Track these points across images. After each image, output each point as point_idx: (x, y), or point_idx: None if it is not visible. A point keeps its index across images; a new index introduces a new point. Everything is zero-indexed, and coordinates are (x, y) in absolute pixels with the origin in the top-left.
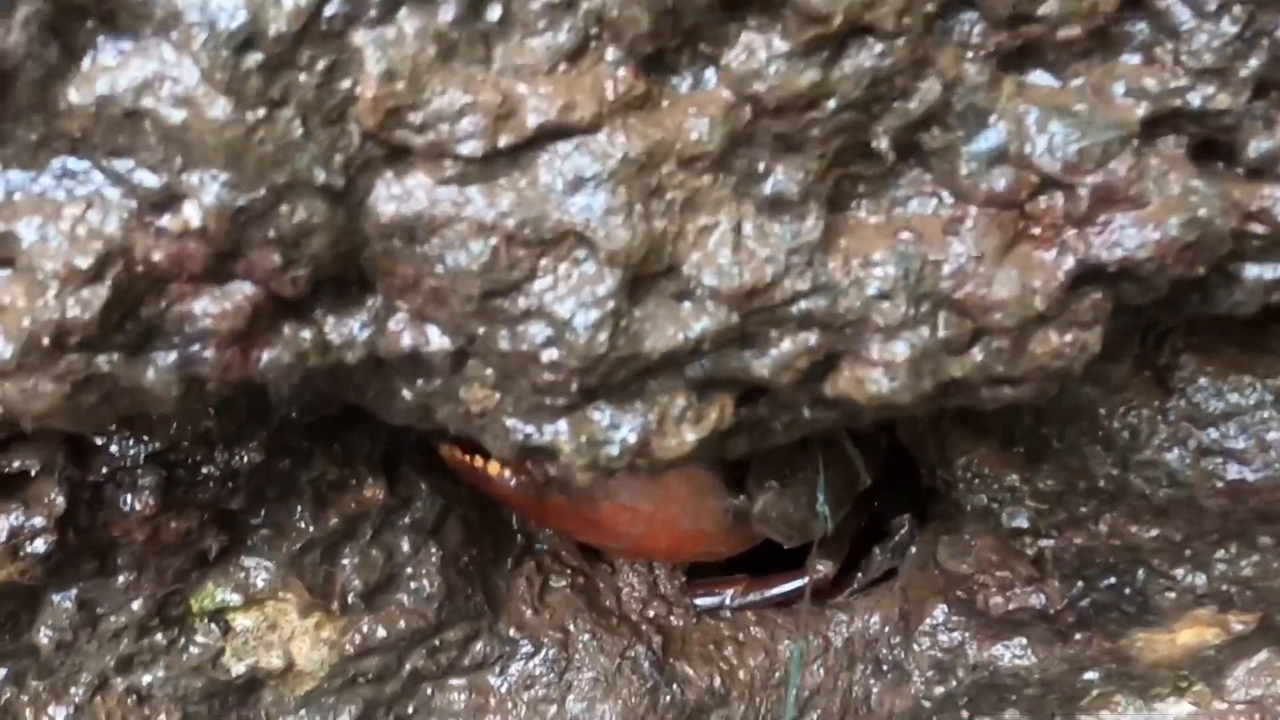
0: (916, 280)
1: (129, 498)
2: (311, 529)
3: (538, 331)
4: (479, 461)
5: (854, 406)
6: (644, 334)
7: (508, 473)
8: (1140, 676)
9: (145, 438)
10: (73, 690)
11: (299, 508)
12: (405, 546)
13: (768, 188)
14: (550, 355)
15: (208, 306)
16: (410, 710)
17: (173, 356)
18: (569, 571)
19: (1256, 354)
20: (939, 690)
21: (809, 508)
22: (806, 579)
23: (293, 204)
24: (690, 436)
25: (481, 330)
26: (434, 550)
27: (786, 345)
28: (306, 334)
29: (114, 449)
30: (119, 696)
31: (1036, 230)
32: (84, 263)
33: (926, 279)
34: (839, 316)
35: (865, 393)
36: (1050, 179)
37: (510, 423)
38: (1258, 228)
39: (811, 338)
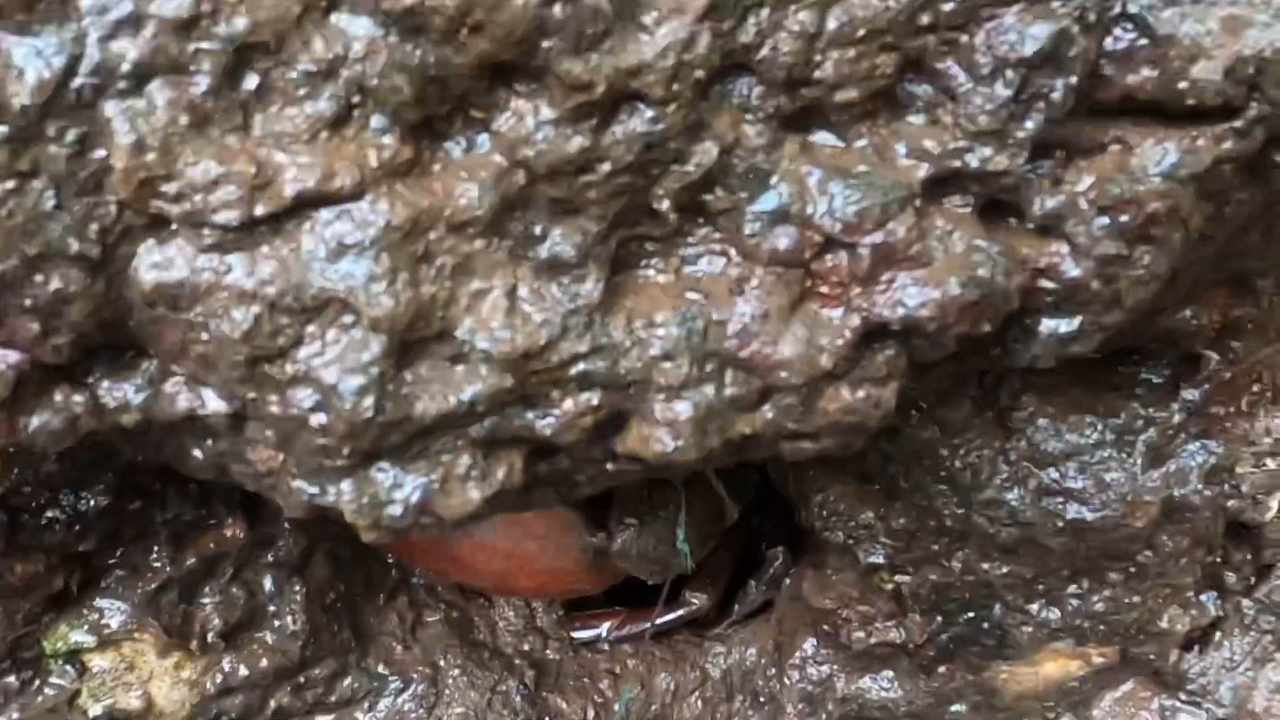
0: (700, 340)
1: None
2: (169, 569)
3: (305, 397)
4: None
5: (650, 463)
6: (414, 397)
7: None
8: (1007, 709)
9: None
10: None
11: (155, 548)
12: (268, 584)
13: (544, 251)
14: (319, 420)
15: None
16: None
17: None
18: (443, 606)
19: (1099, 392)
20: None
21: (670, 544)
22: (681, 611)
23: (47, 273)
24: (475, 494)
25: (252, 395)
26: (298, 587)
27: (569, 405)
28: (79, 398)
29: None
30: None
31: (824, 289)
32: None
33: (711, 338)
34: (620, 377)
35: (651, 451)
36: (832, 239)
37: (296, 484)
38: (1047, 283)
39: (594, 397)
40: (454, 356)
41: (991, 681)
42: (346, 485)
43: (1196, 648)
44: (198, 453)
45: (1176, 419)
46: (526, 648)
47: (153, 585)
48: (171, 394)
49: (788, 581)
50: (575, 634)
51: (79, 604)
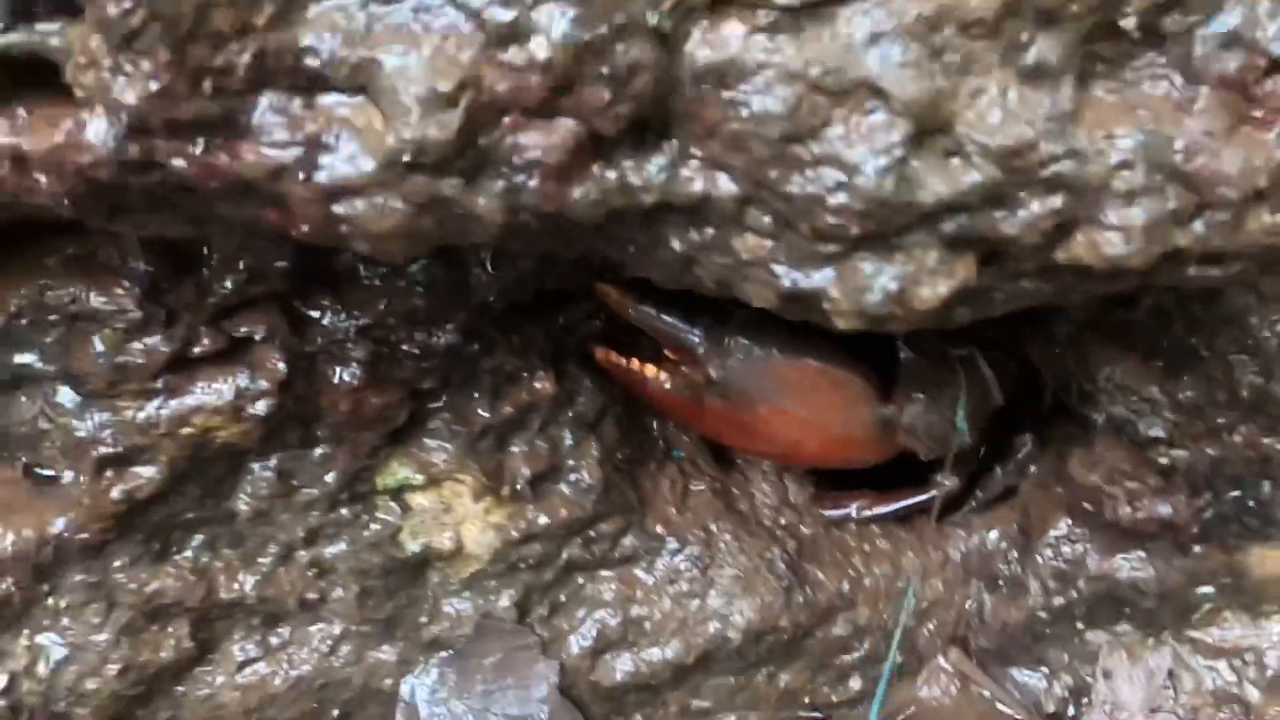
0: (1155, 152)
1: (339, 369)
2: (488, 415)
3: (829, 176)
4: (635, 364)
5: (1075, 277)
6: (920, 184)
7: (663, 375)
8: (1250, 592)
9: (356, 313)
10: (260, 560)
11: (476, 394)
12: (568, 439)
13: (1030, 57)
14: (838, 199)
15: (537, 139)
16: (563, 599)
17: (501, 184)
18: (707, 478)
19: None
20: (1057, 601)
21: (950, 421)
22: (931, 494)
23: (627, 43)
24: (943, 289)
25: (774, 175)
26: (594, 445)
27: (1035, 206)
28: (611, 174)
29: (326, 322)
30: (301, 568)
31: (1259, 113)
32: (444, 86)
33: (1162, 152)
34: (1085, 182)
35: (1100, 255)
36: (1277, 62)
37: (778, 269)
38: None
39: (1058, 200)
40: (951, 150)
41: (1243, 563)
42: (830, 272)
43: None
44: (676, 244)
45: None
46: (784, 521)
47: (474, 430)
48: (689, 177)
49: (1033, 469)
50: (826, 512)
51: (409, 442)
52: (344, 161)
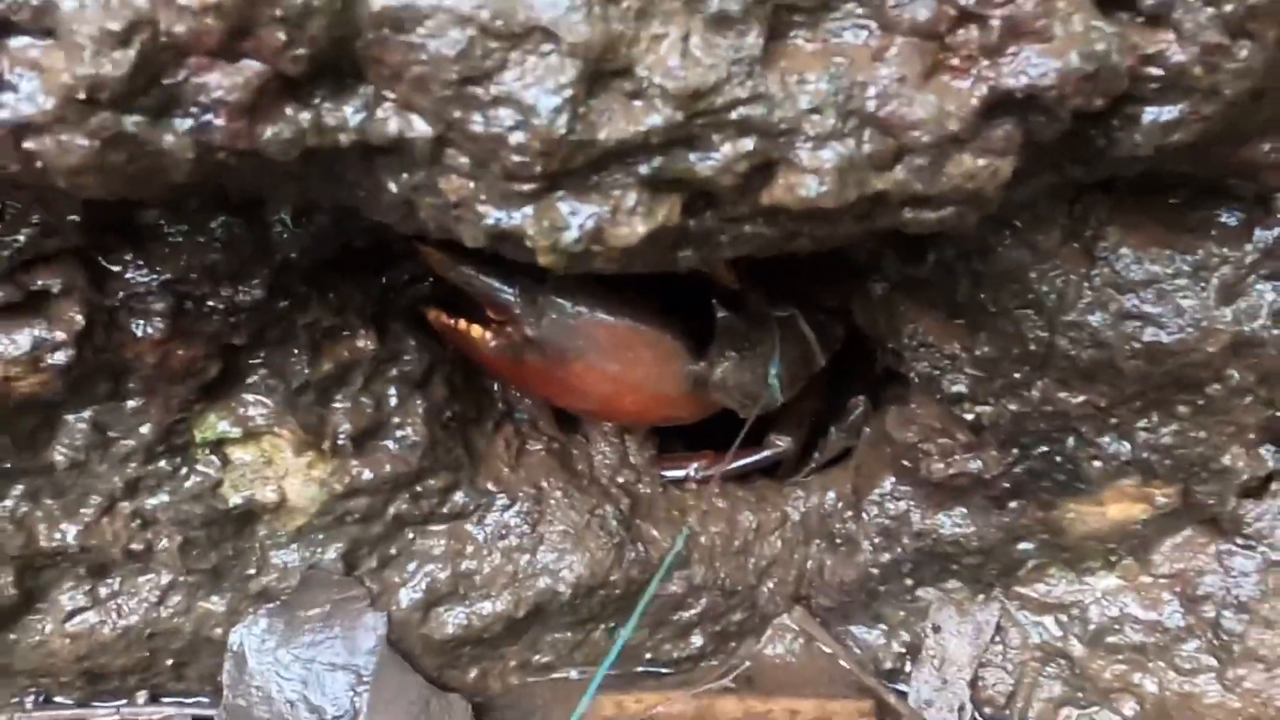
0: (845, 98)
1: (141, 323)
2: (307, 371)
3: (506, 115)
4: (463, 325)
5: (789, 220)
6: (600, 124)
7: (489, 334)
8: (1072, 549)
9: (158, 267)
10: (82, 510)
11: (295, 351)
12: (393, 396)
13: (714, 5)
14: (517, 138)
15: (220, 80)
16: (393, 552)
17: (189, 123)
18: (545, 438)
19: (1178, 231)
20: (885, 558)
21: (764, 380)
22: (767, 453)
23: None
24: (640, 228)
25: (458, 115)
26: (419, 402)
27: (727, 149)
28: (306, 115)
29: (129, 275)
30: (125, 519)
31: (955, 61)
32: (115, 26)
33: (854, 98)
34: (774, 125)
35: (796, 198)
36: (966, 12)
37: (483, 209)
38: (1154, 70)
39: (750, 143)
40: (633, 92)
41: (1059, 520)
42: (529, 210)
43: (1253, 498)
44: (392, 186)
45: (1249, 259)
46: (621, 480)
47: (293, 385)
48: (383, 118)
49: (868, 430)
50: (666, 472)
51: (226, 397)
52: (25, 100)
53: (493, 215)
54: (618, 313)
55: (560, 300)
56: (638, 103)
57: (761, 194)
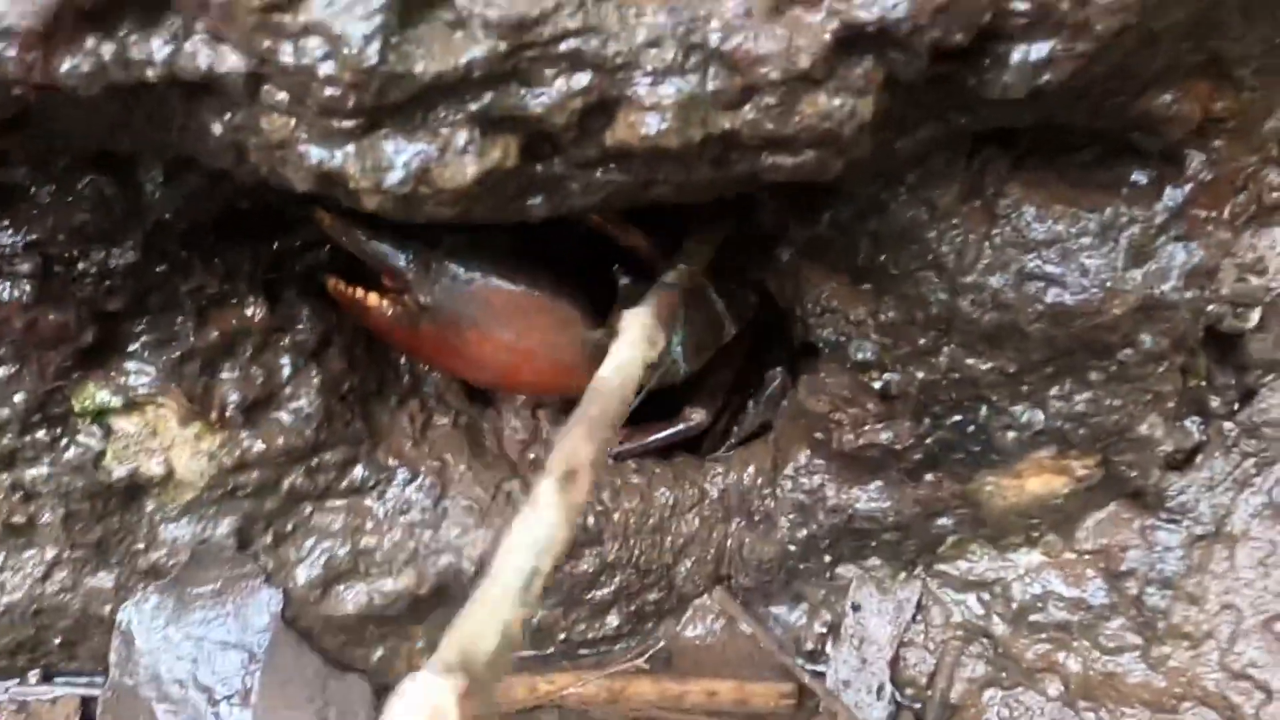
0: (686, 30)
1: (7, 285)
2: (192, 339)
3: (315, 45)
4: (359, 293)
5: (639, 164)
6: (416, 57)
7: (385, 303)
8: (993, 525)
9: (25, 228)
10: None
11: (180, 319)
12: (285, 367)
13: None
14: (327, 69)
15: (10, 5)
16: (289, 527)
17: None
18: (452, 412)
19: (1085, 188)
20: (802, 534)
21: (667, 349)
22: (681, 426)
23: None
24: (472, 169)
25: (267, 45)
26: (314, 373)
27: (560, 84)
28: (109, 47)
29: None
30: (4, 491)
31: None
32: None
33: (696, 30)
34: (609, 59)
35: (637, 135)
36: None
37: (305, 149)
38: (1019, 4)
39: (584, 78)
40: (454, 23)
41: (977, 494)
42: (352, 149)
43: (1177, 471)
44: (217, 128)
45: (1159, 219)
46: (532, 455)
47: (176, 354)
48: (193, 51)
49: (785, 404)
50: None
51: (106, 365)
52: None
53: (315, 155)
54: (512, 278)
55: (453, 265)
56: (458, 33)
57: (604, 135)
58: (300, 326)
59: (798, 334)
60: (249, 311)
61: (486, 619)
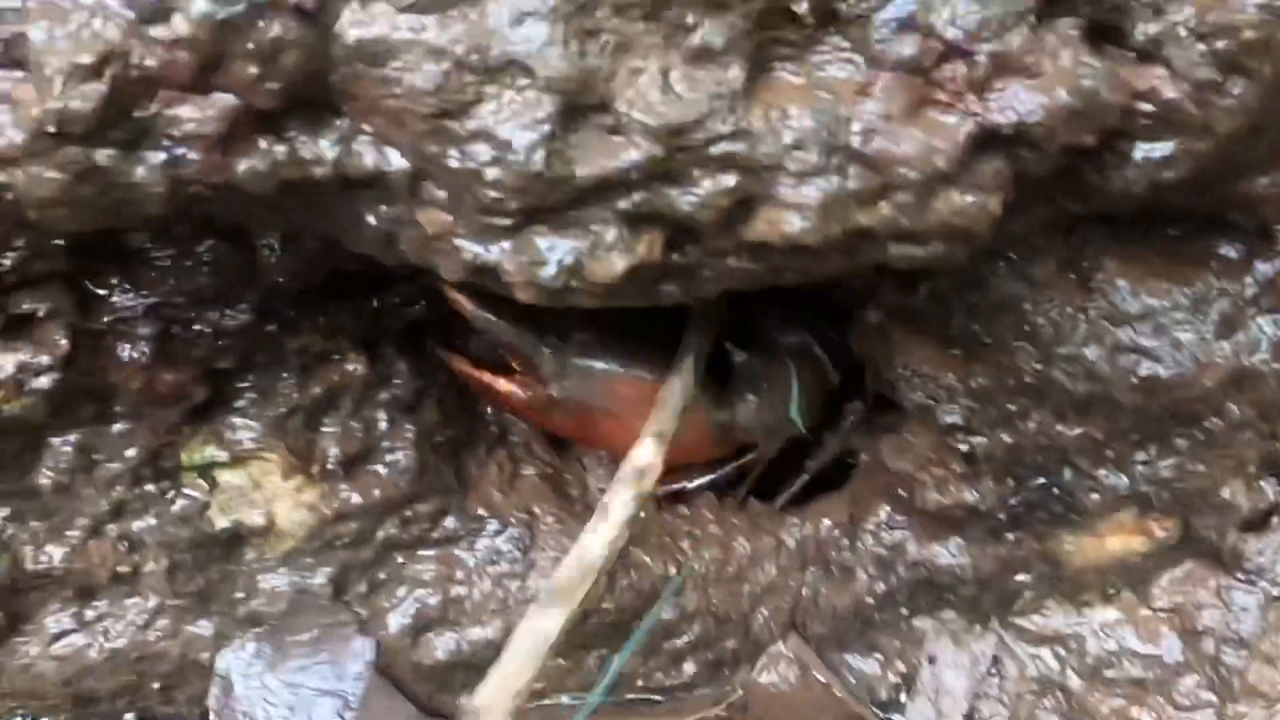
0: (829, 134)
1: (127, 347)
2: (296, 396)
3: (482, 151)
4: (488, 377)
5: (773, 255)
6: (577, 160)
7: (515, 388)
8: (1069, 581)
9: (145, 291)
10: (68, 533)
11: (285, 375)
12: (383, 421)
13: (695, 39)
14: (494, 174)
15: (192, 112)
16: (382, 577)
17: (161, 156)
18: (539, 462)
19: (1176, 263)
20: (881, 587)
21: (786, 415)
22: (749, 456)
23: (269, 21)
24: (620, 264)
25: (434, 150)
26: (410, 426)
27: (708, 184)
28: (281, 148)
29: (115, 299)
30: (111, 541)
31: (942, 96)
32: (86, 59)
33: (839, 133)
34: (757, 161)
35: (779, 232)
36: (952, 46)
37: (461, 243)
38: (1145, 106)
39: (732, 179)
40: (613, 127)
41: (1056, 552)
42: (507, 245)
43: (1254, 533)
44: (371, 219)
45: (1249, 292)
46: None
47: (281, 410)
48: (360, 151)
49: (864, 457)
50: (662, 488)
51: (214, 421)
52: None
53: (471, 249)
54: (640, 370)
55: (585, 361)
56: (617, 138)
57: (744, 229)
58: (397, 381)
59: (879, 388)
60: (350, 367)
61: None
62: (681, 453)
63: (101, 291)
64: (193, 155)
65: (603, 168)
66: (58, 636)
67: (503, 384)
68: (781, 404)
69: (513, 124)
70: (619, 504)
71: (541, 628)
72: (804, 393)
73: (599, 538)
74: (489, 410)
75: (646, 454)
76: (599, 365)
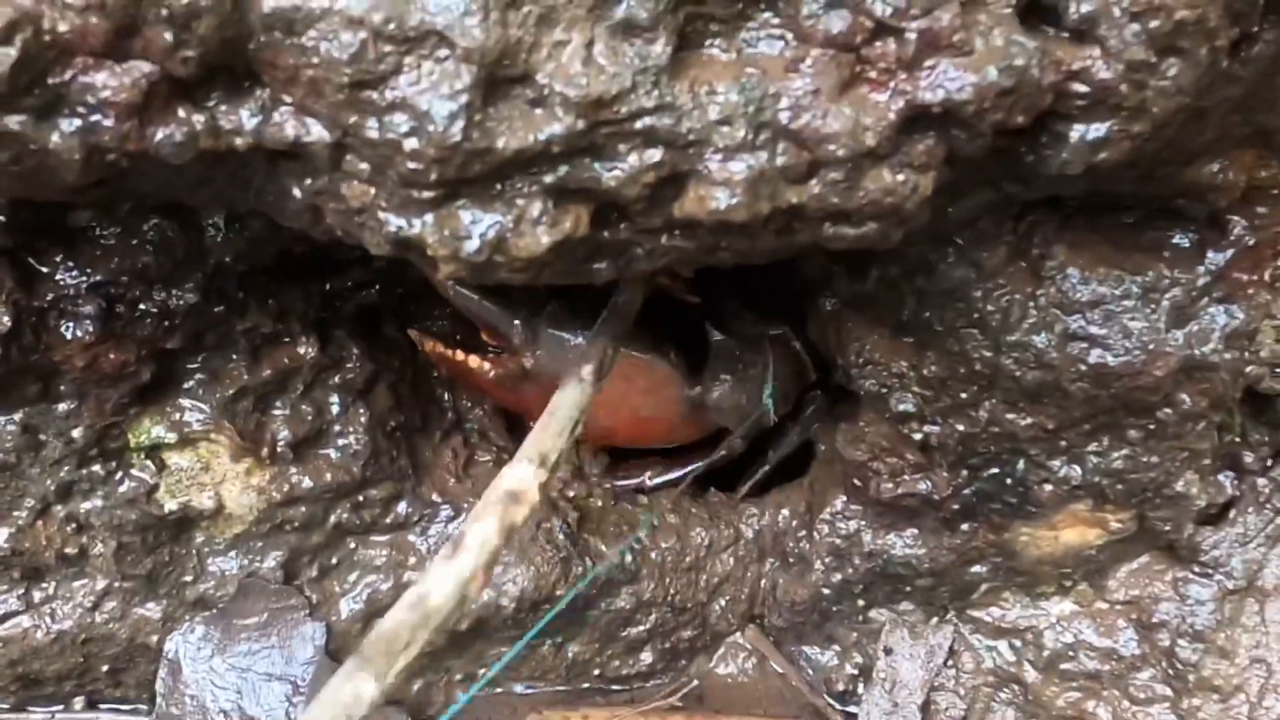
0: (756, 110)
1: (71, 325)
2: (245, 377)
3: (401, 121)
4: (459, 355)
5: (704, 233)
6: (497, 132)
7: (487, 365)
8: (1026, 573)
9: (89, 269)
10: (15, 513)
11: (234, 356)
12: (335, 404)
13: (620, 12)
14: (412, 144)
15: (107, 79)
16: (334, 561)
17: (76, 124)
18: (494, 449)
19: (1128, 251)
20: (837, 578)
21: (759, 400)
22: (719, 453)
23: None
24: (545, 239)
25: (353, 120)
26: (362, 411)
27: (634, 159)
28: (199, 117)
29: (59, 277)
30: (59, 523)
31: (872, 74)
32: None
33: (766, 109)
34: (682, 136)
35: (706, 209)
36: (882, 24)
37: (384, 216)
38: (1079, 86)
39: (657, 153)
40: (534, 100)
41: (1012, 544)
42: (430, 218)
43: (1211, 526)
44: (297, 192)
45: (1201, 281)
46: (572, 494)
47: (230, 391)
48: (280, 122)
49: (821, 447)
50: (619, 482)
51: (161, 402)
52: None
53: (394, 222)
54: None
55: (556, 332)
56: (538, 110)
57: (672, 206)
58: (350, 365)
59: (836, 377)
60: (301, 350)
61: None
62: (656, 429)
63: (45, 269)
64: (108, 123)
65: (524, 140)
66: (4, 618)
67: (474, 360)
68: (755, 389)
69: (431, 94)
70: (478, 538)
71: (347, 699)
72: (778, 379)
73: (446, 579)
74: (445, 396)
75: (522, 476)
76: (570, 336)
